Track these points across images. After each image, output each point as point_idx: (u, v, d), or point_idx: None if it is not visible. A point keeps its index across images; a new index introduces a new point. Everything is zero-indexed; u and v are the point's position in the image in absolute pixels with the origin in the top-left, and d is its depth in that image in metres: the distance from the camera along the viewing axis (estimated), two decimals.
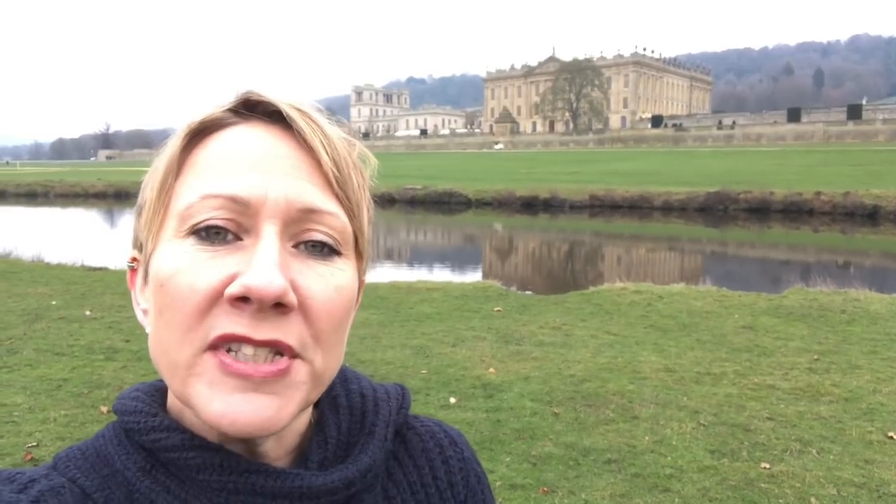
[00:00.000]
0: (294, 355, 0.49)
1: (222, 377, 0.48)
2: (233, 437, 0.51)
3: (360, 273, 0.58)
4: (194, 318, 0.48)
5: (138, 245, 0.55)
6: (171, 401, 0.56)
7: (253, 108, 0.54)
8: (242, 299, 0.47)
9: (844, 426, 4.36)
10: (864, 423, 4.40)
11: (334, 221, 0.52)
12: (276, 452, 0.55)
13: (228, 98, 0.54)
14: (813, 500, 3.42)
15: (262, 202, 0.50)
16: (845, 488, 3.53)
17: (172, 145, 0.54)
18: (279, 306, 0.48)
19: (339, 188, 0.53)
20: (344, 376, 0.64)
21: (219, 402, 0.48)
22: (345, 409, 0.61)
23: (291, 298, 0.48)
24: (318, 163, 0.52)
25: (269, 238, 0.49)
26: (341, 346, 0.54)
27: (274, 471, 0.52)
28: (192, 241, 0.50)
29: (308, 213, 0.51)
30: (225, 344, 0.48)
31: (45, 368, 5.34)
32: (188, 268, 0.49)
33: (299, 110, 0.53)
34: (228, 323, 0.47)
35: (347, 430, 0.59)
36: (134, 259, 0.56)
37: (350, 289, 0.53)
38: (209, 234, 0.50)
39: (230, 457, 0.51)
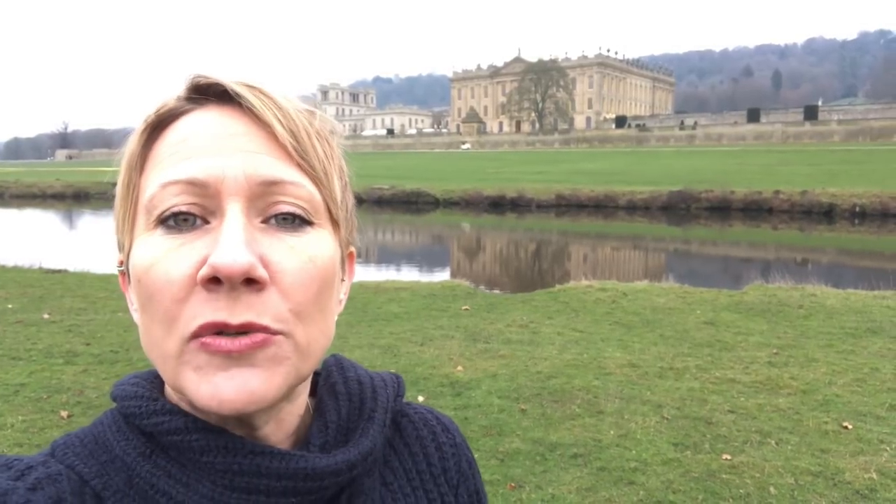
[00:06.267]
0: (273, 332, 0.49)
1: (207, 358, 0.48)
2: (229, 418, 0.51)
3: (343, 243, 0.58)
4: (175, 307, 0.48)
5: (120, 247, 0.56)
6: (169, 389, 0.56)
7: (205, 92, 0.53)
8: (214, 280, 0.47)
9: (802, 417, 4.49)
10: (820, 414, 4.54)
11: (299, 191, 0.52)
12: (277, 436, 0.55)
13: (179, 86, 0.54)
14: (772, 489, 3.51)
15: (221, 181, 0.50)
16: (803, 477, 3.64)
17: (132, 142, 0.54)
18: (252, 283, 0.48)
19: (301, 158, 0.53)
20: (341, 364, 0.65)
21: (206, 384, 0.48)
22: (343, 396, 0.61)
23: (261, 273, 0.48)
24: (275, 136, 0.52)
25: (232, 216, 0.49)
26: (326, 318, 0.54)
27: (279, 452, 0.52)
28: (161, 231, 0.50)
29: (270, 186, 0.51)
30: (208, 331, 0.48)
31: (2, 373, 5.20)
32: (161, 259, 0.49)
33: (249, 86, 0.52)
34: (207, 310, 0.48)
35: (347, 416, 0.60)
36: (121, 262, 0.56)
37: (327, 258, 0.53)
38: (177, 221, 0.50)
39: (234, 439, 0.51)
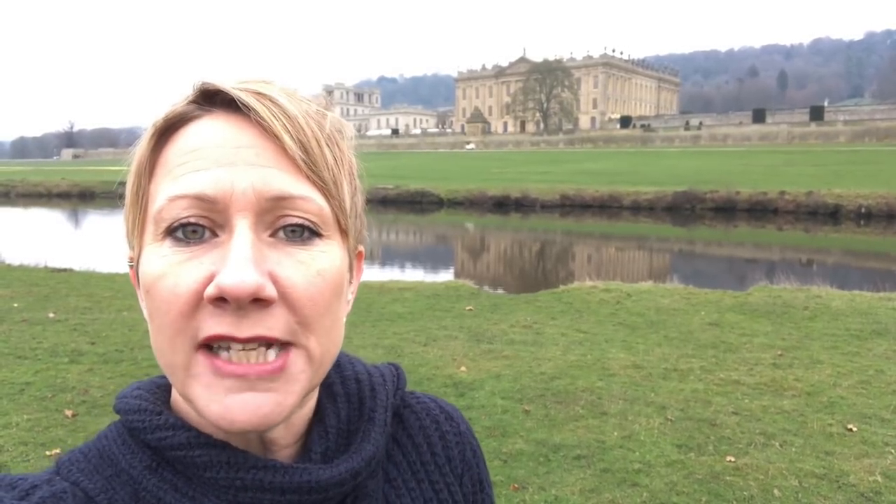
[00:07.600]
0: (285, 344, 0.49)
1: (217, 380, 0.48)
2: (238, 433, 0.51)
3: (351, 249, 0.57)
4: (181, 321, 0.48)
5: (131, 246, 0.56)
6: (175, 397, 0.56)
7: (213, 98, 0.53)
8: (221, 299, 0.47)
9: (806, 419, 4.48)
10: (825, 417, 4.52)
11: (309, 205, 0.51)
12: (287, 439, 0.56)
13: (188, 91, 0.54)
14: (776, 491, 3.50)
15: (230, 196, 0.49)
16: (807, 479, 3.63)
17: (141, 147, 0.54)
18: (259, 301, 0.48)
19: (310, 170, 0.52)
20: (337, 362, 0.64)
21: (216, 404, 0.48)
22: (342, 397, 0.61)
23: (269, 292, 0.48)
24: (284, 148, 0.51)
25: (241, 233, 0.49)
26: (337, 328, 0.54)
27: (281, 466, 0.52)
28: (169, 243, 0.50)
29: (279, 201, 0.50)
30: (214, 343, 0.48)
31: (7, 372, 5.22)
32: (168, 272, 0.49)
33: (257, 93, 0.51)
34: (213, 324, 0.48)
35: (347, 419, 0.60)
36: (131, 258, 0.56)
37: (335, 270, 0.53)
38: (185, 233, 0.50)
39: (236, 454, 0.51)
